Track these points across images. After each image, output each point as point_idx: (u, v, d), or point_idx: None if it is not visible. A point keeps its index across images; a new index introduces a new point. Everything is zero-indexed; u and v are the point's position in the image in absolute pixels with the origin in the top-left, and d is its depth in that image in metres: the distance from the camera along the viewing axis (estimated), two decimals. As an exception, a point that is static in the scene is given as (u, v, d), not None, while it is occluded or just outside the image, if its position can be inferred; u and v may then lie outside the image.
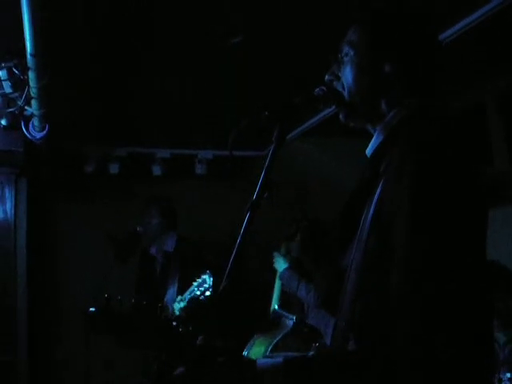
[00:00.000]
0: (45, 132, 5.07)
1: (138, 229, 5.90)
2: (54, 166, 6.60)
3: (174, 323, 5.15)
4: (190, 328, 4.98)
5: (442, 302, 1.53)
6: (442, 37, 3.99)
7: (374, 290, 1.68)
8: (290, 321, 4.97)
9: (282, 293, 5.17)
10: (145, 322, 5.12)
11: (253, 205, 1.88)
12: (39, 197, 6.65)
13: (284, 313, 5.07)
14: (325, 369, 1.63)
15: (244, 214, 1.88)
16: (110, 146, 6.75)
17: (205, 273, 5.10)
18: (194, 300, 5.12)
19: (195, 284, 5.13)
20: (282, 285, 5.15)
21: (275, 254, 5.18)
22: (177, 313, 5.30)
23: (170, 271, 5.76)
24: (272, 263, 5.18)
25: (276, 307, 5.13)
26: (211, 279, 5.06)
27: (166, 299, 5.63)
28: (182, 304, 5.26)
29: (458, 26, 3.99)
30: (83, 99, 5.41)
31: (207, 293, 5.07)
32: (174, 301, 5.48)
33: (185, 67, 4.81)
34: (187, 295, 5.20)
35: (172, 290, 5.66)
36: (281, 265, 5.11)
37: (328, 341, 4.58)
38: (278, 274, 5.17)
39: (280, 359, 1.64)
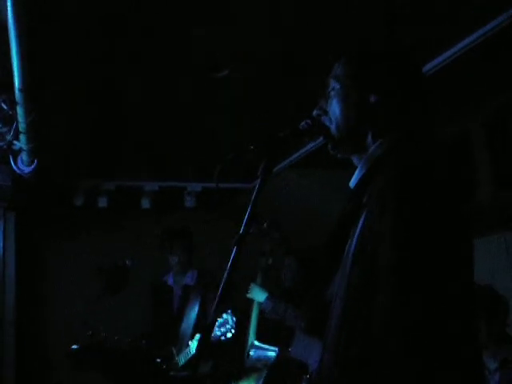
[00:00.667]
0: (33, 166, 5.07)
1: (126, 262, 5.86)
2: (43, 200, 6.59)
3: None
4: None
5: (427, 329, 1.53)
6: (427, 67, 4.04)
7: (357, 321, 1.68)
8: (272, 352, 4.90)
9: (259, 326, 5.08)
10: (138, 363, 5.00)
11: (240, 238, 1.88)
12: (28, 230, 6.63)
13: (263, 345, 4.99)
14: None
15: (231, 247, 1.89)
16: (98, 179, 6.75)
17: (227, 312, 4.93)
18: (214, 341, 4.87)
19: (216, 323, 4.91)
20: (264, 313, 5.06)
21: (252, 284, 5.11)
22: (192, 351, 5.14)
23: (189, 303, 5.64)
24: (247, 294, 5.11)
25: (254, 341, 5.04)
26: (234, 319, 4.89)
27: (181, 328, 5.52)
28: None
29: (443, 56, 4.03)
30: (72, 133, 5.41)
31: (228, 334, 4.87)
32: (191, 328, 5.41)
33: (173, 100, 4.83)
34: None
35: (191, 315, 5.55)
36: (259, 295, 5.03)
37: (313, 370, 4.57)
38: (255, 306, 5.09)
39: None
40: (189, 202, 7.00)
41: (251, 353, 4.97)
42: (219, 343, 4.90)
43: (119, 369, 4.90)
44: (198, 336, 5.16)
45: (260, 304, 4.99)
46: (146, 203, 6.89)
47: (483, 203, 4.96)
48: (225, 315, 4.87)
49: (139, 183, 6.94)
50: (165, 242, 5.77)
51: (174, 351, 5.30)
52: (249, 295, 5.03)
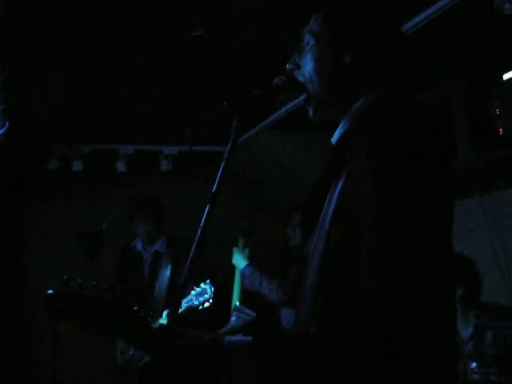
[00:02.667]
0: (5, 129, 4.98)
1: (103, 226, 5.83)
2: (17, 164, 6.51)
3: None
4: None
5: (408, 288, 1.52)
6: (407, 26, 4.00)
7: (337, 280, 1.68)
8: (250, 317, 4.89)
9: (242, 288, 5.08)
10: (114, 310, 4.94)
11: (213, 197, 1.86)
12: (2, 195, 6.56)
13: (244, 309, 4.98)
14: (294, 347, 1.61)
15: (204, 206, 1.86)
16: (73, 142, 6.66)
17: (205, 282, 4.83)
18: (191, 310, 4.79)
19: (193, 293, 4.84)
20: (242, 281, 5.07)
21: (234, 249, 5.11)
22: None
23: (160, 269, 5.58)
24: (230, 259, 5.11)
25: (237, 304, 5.03)
26: (212, 289, 4.79)
27: (154, 294, 5.46)
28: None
29: (422, 16, 4.00)
30: (46, 95, 5.32)
31: (206, 304, 4.77)
32: (164, 293, 5.38)
33: (150, 60, 4.77)
34: (184, 303, 4.99)
35: (163, 281, 5.48)
36: (240, 261, 5.04)
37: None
38: (237, 270, 5.09)
39: (250, 337, 1.63)
40: (165, 165, 6.94)
41: (233, 317, 4.97)
42: (196, 312, 4.87)
43: (95, 316, 4.84)
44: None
45: (240, 271, 5.00)
46: (121, 166, 6.81)
47: (462, 167, 4.98)
48: (203, 285, 4.78)
49: (114, 146, 6.86)
50: (131, 211, 5.71)
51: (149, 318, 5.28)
52: (232, 261, 5.04)
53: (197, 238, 1.85)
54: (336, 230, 1.70)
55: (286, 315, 4.88)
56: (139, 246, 5.79)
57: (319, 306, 1.73)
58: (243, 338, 1.64)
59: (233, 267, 5.12)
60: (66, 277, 4.76)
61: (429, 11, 3.95)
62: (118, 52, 4.58)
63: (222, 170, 1.90)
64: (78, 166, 6.69)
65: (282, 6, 3.97)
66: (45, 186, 6.76)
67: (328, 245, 1.72)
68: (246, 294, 5.07)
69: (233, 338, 1.66)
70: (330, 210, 1.74)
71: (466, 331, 4.08)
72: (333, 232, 1.71)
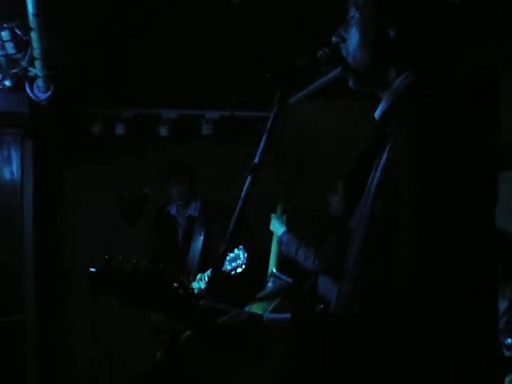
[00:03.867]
0: (49, 93, 5.05)
1: (145, 190, 5.87)
2: (60, 127, 6.58)
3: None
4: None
5: (449, 267, 1.53)
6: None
7: (379, 255, 1.68)
8: (286, 284, 4.92)
9: (280, 255, 5.11)
10: (156, 286, 4.98)
11: (255, 167, 1.88)
12: (45, 158, 6.65)
13: (282, 276, 5.01)
14: (332, 326, 1.64)
15: (246, 176, 1.88)
16: (116, 107, 6.72)
17: (238, 247, 4.94)
18: (224, 274, 4.87)
19: (227, 258, 4.91)
20: (279, 247, 5.10)
21: (272, 215, 5.13)
22: (200, 284, 5.15)
23: (193, 234, 5.68)
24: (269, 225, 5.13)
25: (274, 270, 5.07)
26: (245, 255, 4.90)
27: (187, 259, 5.56)
28: (203, 284, 5.11)
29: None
30: (88, 60, 5.35)
31: (239, 269, 4.89)
32: (197, 260, 5.44)
33: (191, 27, 4.76)
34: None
35: (196, 247, 5.58)
36: (278, 227, 5.06)
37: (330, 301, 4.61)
38: (275, 237, 5.11)
39: (288, 315, 1.65)
40: (206, 129, 6.96)
41: (269, 283, 5.01)
42: (229, 277, 4.92)
43: (137, 293, 4.89)
44: (208, 271, 5.17)
45: (278, 237, 5.03)
46: (163, 131, 6.86)
47: (506, 139, 4.90)
48: (236, 250, 4.89)
49: (157, 111, 6.90)
50: (164, 175, 5.79)
51: (183, 280, 5.34)
52: (270, 227, 5.06)
53: (238, 208, 1.86)
54: (379, 203, 1.70)
55: (324, 283, 4.90)
56: (174, 211, 5.86)
57: (362, 281, 1.74)
58: (282, 315, 1.67)
59: (270, 233, 5.14)
60: (107, 256, 4.84)
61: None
62: (160, 18, 4.57)
63: (265, 141, 1.91)
64: (120, 129, 6.75)
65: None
66: (89, 150, 6.82)
67: (371, 220, 1.73)
68: (282, 261, 5.11)
69: (271, 315, 1.69)
70: (374, 184, 1.75)
71: (500, 306, 4.05)
72: (376, 206, 1.71)
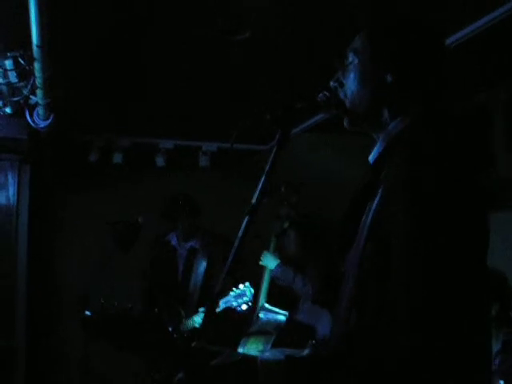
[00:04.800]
0: (49, 121, 5.08)
1: (139, 219, 5.87)
2: (58, 154, 6.61)
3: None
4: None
5: (442, 311, 1.54)
6: (449, 41, 3.98)
7: (369, 297, 1.70)
8: (282, 316, 4.92)
9: (270, 288, 5.11)
10: (149, 331, 4.96)
11: (252, 208, 1.89)
12: (42, 184, 6.67)
13: (274, 308, 5.01)
14: (325, 370, 1.65)
15: (243, 216, 1.89)
16: (114, 135, 6.75)
17: (245, 284, 4.92)
18: (229, 310, 4.88)
19: (232, 294, 4.93)
20: (274, 279, 5.10)
21: (265, 252, 5.14)
22: (196, 325, 5.15)
23: (195, 265, 5.66)
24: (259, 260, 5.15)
25: (265, 304, 5.07)
26: (252, 292, 4.89)
27: (189, 290, 5.53)
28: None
29: (465, 31, 3.98)
30: (88, 89, 5.40)
31: (244, 306, 4.88)
32: (199, 290, 5.44)
33: (191, 59, 4.80)
34: (221, 303, 4.97)
35: (197, 278, 5.54)
36: (271, 261, 5.08)
37: (320, 337, 4.62)
38: (267, 271, 5.12)
39: (282, 356, 1.66)
40: (203, 161, 6.99)
41: (261, 315, 5.01)
42: (233, 314, 4.91)
43: (131, 339, 4.88)
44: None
45: (271, 271, 5.04)
46: (160, 161, 6.90)
47: (500, 178, 4.94)
48: (243, 287, 4.89)
49: (154, 140, 6.93)
50: (166, 211, 5.78)
51: (183, 313, 5.32)
52: (261, 262, 5.07)
53: (234, 248, 1.87)
54: (370, 245, 1.72)
55: (310, 311, 4.93)
56: (174, 241, 5.83)
57: (351, 324, 1.75)
58: (276, 357, 1.67)
59: (259, 267, 5.16)
60: (102, 301, 4.82)
61: (469, 28, 3.93)
62: (160, 49, 4.61)
63: (263, 182, 1.91)
64: (118, 158, 6.78)
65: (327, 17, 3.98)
66: (85, 177, 6.85)
67: (361, 263, 1.74)
68: (273, 294, 5.12)
69: (266, 357, 1.70)
70: (366, 227, 1.76)
71: (495, 347, 4.04)
72: (367, 248, 1.73)
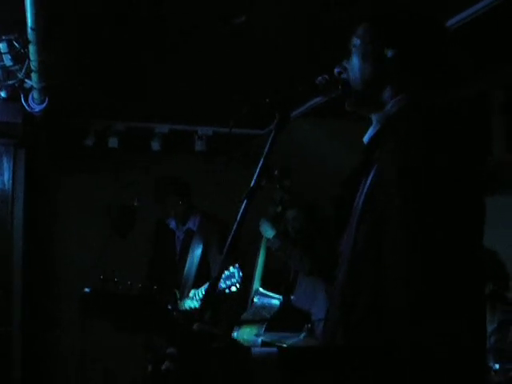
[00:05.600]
0: (44, 105, 5.06)
1: (135, 202, 5.88)
2: (53, 139, 6.59)
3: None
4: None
5: (437, 296, 1.54)
6: (448, 23, 3.97)
7: (363, 280, 1.71)
8: (276, 300, 4.93)
9: (264, 272, 5.11)
10: (148, 309, 4.96)
11: (250, 191, 1.89)
12: (37, 168, 6.66)
13: (268, 293, 5.01)
14: (319, 362, 1.64)
15: (241, 200, 1.89)
16: (109, 120, 6.73)
17: (234, 266, 4.87)
18: (218, 292, 4.82)
19: (223, 276, 4.84)
20: (266, 264, 5.11)
21: (262, 219, 5.11)
22: (194, 298, 5.16)
23: (191, 247, 5.63)
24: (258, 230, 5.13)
25: (259, 287, 5.07)
26: (240, 274, 4.84)
27: (184, 271, 5.53)
28: (196, 302, 5.12)
29: (464, 14, 3.96)
30: (83, 73, 5.38)
31: (233, 288, 4.83)
32: (194, 272, 5.45)
33: (187, 43, 4.79)
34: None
35: (194, 260, 5.54)
36: (268, 230, 5.05)
37: (315, 319, 4.63)
38: (261, 255, 5.12)
39: (275, 349, 1.65)
40: (199, 145, 6.98)
41: (255, 299, 5.02)
42: (223, 295, 4.91)
43: (130, 316, 4.88)
44: (203, 287, 5.17)
45: (268, 240, 5.03)
46: (156, 145, 6.88)
47: (497, 163, 4.96)
48: (232, 268, 4.83)
49: (150, 125, 6.91)
50: (157, 196, 5.76)
51: (178, 294, 5.34)
52: (260, 228, 5.05)
53: (232, 231, 1.86)
54: (363, 226, 1.73)
55: (304, 294, 4.94)
56: (173, 224, 5.82)
57: (347, 305, 1.76)
58: (269, 349, 1.67)
59: (254, 253, 5.16)
60: (101, 276, 4.80)
61: (470, 10, 3.91)
62: (155, 32, 4.60)
63: (261, 166, 1.91)
64: (113, 142, 6.76)
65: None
66: (81, 161, 6.84)
67: (355, 244, 1.75)
68: (268, 278, 5.12)
69: (258, 349, 1.70)
70: (359, 207, 1.77)
71: (489, 326, 4.06)
72: (360, 229, 1.74)
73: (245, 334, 4.75)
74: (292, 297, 5.01)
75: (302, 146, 6.56)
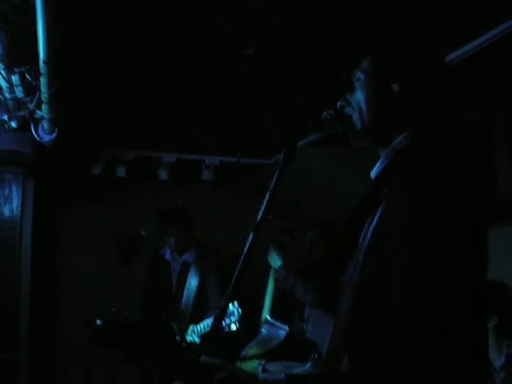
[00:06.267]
0: (54, 135, 5.12)
1: (141, 232, 5.89)
2: (62, 167, 6.64)
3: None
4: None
5: (441, 328, 1.56)
6: (452, 57, 4.02)
7: (369, 314, 1.73)
8: (282, 331, 4.91)
9: (274, 301, 5.11)
10: (152, 340, 4.93)
11: (257, 225, 1.90)
12: (46, 197, 6.69)
13: (276, 322, 5.01)
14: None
15: (248, 233, 1.91)
16: (117, 149, 6.78)
17: (233, 304, 4.89)
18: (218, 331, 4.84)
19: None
20: (275, 293, 5.10)
21: (271, 248, 5.11)
22: (194, 332, 5.16)
23: (188, 279, 5.66)
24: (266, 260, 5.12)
25: (268, 317, 5.07)
26: (240, 312, 4.87)
27: (182, 304, 5.55)
28: (196, 337, 5.11)
29: (468, 47, 4.02)
30: (93, 103, 5.44)
31: (233, 326, 4.86)
32: (191, 305, 5.44)
33: (194, 73, 4.84)
34: (209, 322, 5.00)
35: (190, 293, 5.55)
36: (276, 260, 5.06)
37: (323, 351, 4.61)
38: (270, 285, 5.12)
39: (283, 375, 1.67)
40: (206, 174, 7.01)
41: (263, 329, 5.00)
42: (222, 334, 4.87)
43: (141, 347, 4.86)
44: (202, 323, 5.14)
45: (275, 271, 5.02)
46: (163, 174, 6.92)
47: (501, 194, 4.96)
48: (231, 306, 4.87)
49: (158, 154, 6.96)
50: (160, 223, 5.79)
51: (175, 328, 5.31)
52: (268, 258, 5.04)
53: (239, 266, 1.87)
54: (371, 260, 1.74)
55: (314, 326, 4.92)
56: (168, 255, 5.86)
57: (351, 332, 1.78)
58: (276, 375, 1.69)
59: (264, 282, 5.16)
60: (114, 309, 4.79)
61: (473, 43, 3.96)
62: (164, 63, 4.66)
63: (268, 200, 1.93)
64: (121, 172, 6.81)
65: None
66: (89, 190, 6.88)
67: (362, 276, 1.77)
68: (276, 307, 5.11)
69: (266, 375, 1.72)
70: (365, 244, 1.79)
71: (498, 360, 4.03)
72: (367, 263, 1.75)
73: (250, 364, 4.73)
74: (304, 327, 4.99)
75: (309, 173, 6.59)
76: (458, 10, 3.74)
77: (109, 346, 4.96)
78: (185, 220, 5.75)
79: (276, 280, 5.05)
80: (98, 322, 4.80)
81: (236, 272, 1.87)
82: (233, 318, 4.85)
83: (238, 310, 4.82)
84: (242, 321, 4.83)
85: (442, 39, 3.34)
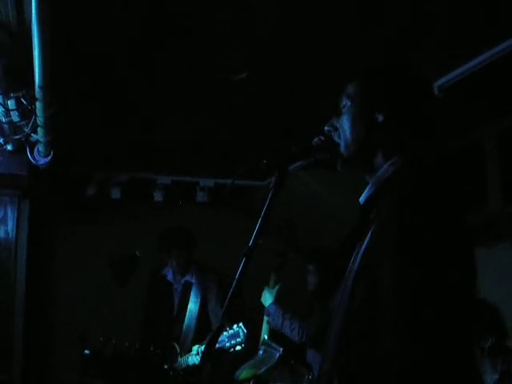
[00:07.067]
0: (49, 158, 5.14)
1: (137, 252, 5.90)
2: (57, 189, 6.66)
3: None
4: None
5: (427, 347, 1.58)
6: (441, 81, 4.08)
7: (358, 338, 1.74)
8: (276, 353, 4.92)
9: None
10: (147, 370, 4.92)
11: (249, 250, 1.94)
12: (41, 219, 6.70)
13: (272, 344, 5.01)
14: None
15: (240, 257, 1.93)
16: (112, 170, 6.81)
17: (238, 324, 4.86)
18: (222, 351, 4.81)
19: (225, 334, 4.84)
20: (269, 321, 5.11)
21: (265, 288, 5.16)
22: (194, 356, 5.11)
23: (190, 300, 5.66)
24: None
25: (266, 337, 5.08)
26: (245, 332, 4.83)
27: (184, 325, 5.53)
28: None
29: (458, 71, 4.08)
30: (88, 126, 5.48)
31: (238, 347, 4.81)
32: (193, 326, 5.45)
33: (188, 96, 4.89)
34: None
35: (192, 313, 5.55)
36: (267, 299, 5.09)
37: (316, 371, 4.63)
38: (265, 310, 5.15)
39: None
40: (201, 196, 7.04)
41: (260, 351, 5.03)
42: (227, 354, 4.89)
43: (129, 377, 4.84)
44: (202, 345, 5.15)
45: (265, 310, 5.06)
46: (158, 196, 6.94)
47: (492, 214, 4.99)
48: (236, 327, 4.84)
49: (152, 176, 6.99)
50: (162, 246, 5.81)
51: (178, 348, 5.30)
52: (261, 299, 5.08)
53: (231, 290, 1.91)
54: (360, 287, 1.77)
55: (311, 355, 4.94)
56: (169, 276, 5.86)
57: (341, 365, 1.79)
58: None
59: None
60: (101, 339, 4.79)
61: (466, 66, 4.02)
62: (157, 84, 4.70)
63: (260, 225, 1.96)
64: (116, 193, 6.83)
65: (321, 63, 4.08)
66: (83, 212, 6.90)
67: (351, 303, 1.79)
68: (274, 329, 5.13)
69: None
70: (354, 269, 1.81)
71: (491, 378, 4.05)
72: (356, 289, 1.78)
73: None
74: (308, 353, 5.01)
75: (302, 196, 6.62)
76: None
77: (97, 375, 4.95)
78: (187, 241, 5.75)
79: (267, 321, 5.09)
80: (86, 351, 4.78)
81: (229, 296, 1.90)
82: (238, 340, 4.83)
83: (243, 331, 4.82)
84: (247, 341, 4.81)
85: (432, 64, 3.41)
